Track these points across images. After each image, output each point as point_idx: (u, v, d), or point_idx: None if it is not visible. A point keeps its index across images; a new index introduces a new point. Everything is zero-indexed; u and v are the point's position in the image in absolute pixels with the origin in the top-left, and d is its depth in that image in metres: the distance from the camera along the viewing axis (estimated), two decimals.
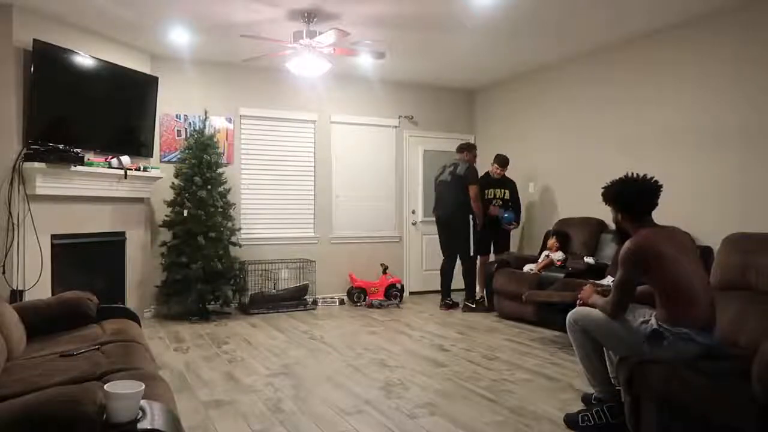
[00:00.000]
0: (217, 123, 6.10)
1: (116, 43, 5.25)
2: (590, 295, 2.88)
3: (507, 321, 5.43)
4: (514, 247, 6.60)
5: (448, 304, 6.11)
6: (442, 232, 6.17)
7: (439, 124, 7.35)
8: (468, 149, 6.19)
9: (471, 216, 5.92)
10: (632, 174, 2.74)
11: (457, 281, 6.18)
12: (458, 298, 6.18)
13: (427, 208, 7.16)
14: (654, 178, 2.69)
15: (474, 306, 5.95)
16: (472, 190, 5.88)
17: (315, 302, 6.25)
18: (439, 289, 6.24)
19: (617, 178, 2.77)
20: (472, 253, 5.97)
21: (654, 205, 2.68)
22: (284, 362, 4.03)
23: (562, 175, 6.10)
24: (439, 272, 6.18)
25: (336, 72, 6.28)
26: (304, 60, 4.68)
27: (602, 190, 2.81)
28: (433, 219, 6.36)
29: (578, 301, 2.96)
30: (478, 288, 6.18)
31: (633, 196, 2.68)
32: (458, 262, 6.09)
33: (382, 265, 6.48)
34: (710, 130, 4.62)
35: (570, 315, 2.82)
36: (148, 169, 5.34)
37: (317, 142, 6.64)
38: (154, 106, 5.54)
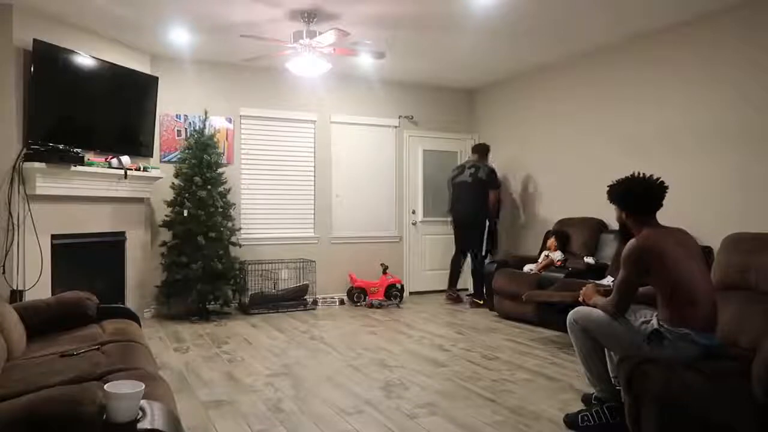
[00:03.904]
0: (217, 123, 6.10)
1: (116, 43, 5.25)
2: (592, 296, 2.87)
3: (507, 321, 5.43)
4: (513, 247, 6.61)
5: (453, 297, 6.39)
6: (459, 231, 6.46)
7: (439, 124, 7.35)
8: (488, 151, 6.50)
9: (487, 217, 6.23)
10: (638, 173, 2.73)
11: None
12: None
13: (427, 208, 7.19)
14: (660, 179, 2.69)
15: (481, 302, 6.13)
16: (495, 194, 6.26)
17: (315, 302, 6.24)
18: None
19: (623, 177, 2.77)
20: (484, 253, 6.26)
21: (659, 205, 2.68)
22: (284, 362, 4.03)
23: (561, 175, 6.10)
24: (448, 267, 6.52)
25: (336, 72, 6.28)
26: (304, 60, 4.68)
27: (607, 188, 2.81)
28: (434, 219, 6.58)
29: (579, 298, 2.96)
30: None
31: (638, 196, 2.68)
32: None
33: (382, 265, 6.48)
34: (710, 129, 4.62)
35: (570, 315, 2.82)
36: (148, 169, 5.34)
37: (317, 142, 6.64)
38: (154, 106, 5.54)
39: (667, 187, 2.69)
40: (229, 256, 5.68)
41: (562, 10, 4.51)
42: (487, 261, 6.19)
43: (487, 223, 6.21)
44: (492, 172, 6.27)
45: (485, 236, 6.20)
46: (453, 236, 6.55)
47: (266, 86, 6.34)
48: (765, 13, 4.21)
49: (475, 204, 6.19)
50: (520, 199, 6.67)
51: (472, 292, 6.38)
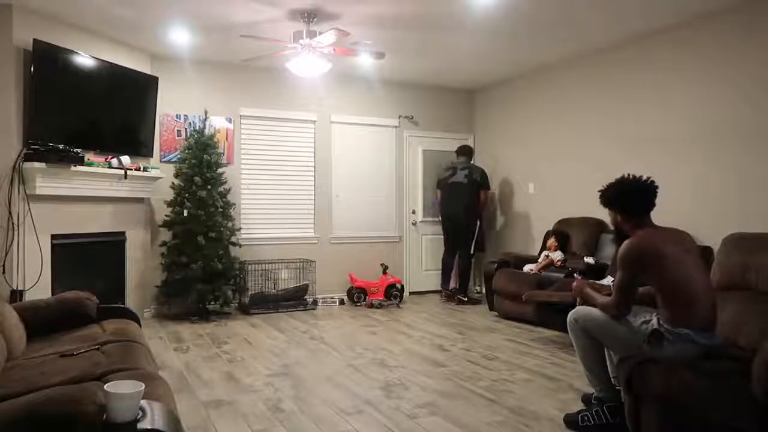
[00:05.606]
0: (217, 123, 6.10)
1: (116, 43, 5.25)
2: (582, 287, 2.88)
3: (507, 321, 5.43)
4: (513, 247, 6.62)
5: (449, 295, 6.56)
6: (449, 230, 6.62)
7: (439, 124, 7.35)
8: (473, 153, 6.79)
9: (479, 217, 6.46)
10: (628, 175, 2.74)
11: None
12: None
13: (427, 208, 7.18)
14: (650, 179, 2.70)
15: (466, 299, 6.38)
16: (487, 194, 6.53)
17: (315, 302, 6.24)
18: (439, 288, 6.78)
19: (614, 180, 2.78)
20: (471, 251, 6.46)
21: (651, 205, 2.68)
22: (284, 362, 4.04)
23: (561, 175, 6.10)
24: (441, 268, 6.72)
25: (336, 72, 6.28)
26: (304, 60, 4.68)
27: (599, 192, 2.82)
28: (434, 219, 6.65)
29: (578, 300, 2.96)
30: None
31: (630, 197, 2.68)
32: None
33: (382, 265, 6.48)
34: (710, 130, 4.61)
35: (571, 314, 2.82)
36: (148, 169, 5.34)
37: (317, 142, 6.64)
38: (154, 106, 5.53)
39: (657, 187, 2.70)
40: (229, 256, 5.68)
41: (562, 10, 4.51)
42: (473, 260, 6.52)
43: (479, 223, 6.43)
44: (484, 173, 6.53)
45: (475, 235, 6.41)
46: (444, 236, 6.72)
47: (266, 86, 6.34)
48: (765, 14, 4.21)
49: (467, 204, 6.39)
50: (520, 198, 6.67)
51: (457, 288, 6.52)
